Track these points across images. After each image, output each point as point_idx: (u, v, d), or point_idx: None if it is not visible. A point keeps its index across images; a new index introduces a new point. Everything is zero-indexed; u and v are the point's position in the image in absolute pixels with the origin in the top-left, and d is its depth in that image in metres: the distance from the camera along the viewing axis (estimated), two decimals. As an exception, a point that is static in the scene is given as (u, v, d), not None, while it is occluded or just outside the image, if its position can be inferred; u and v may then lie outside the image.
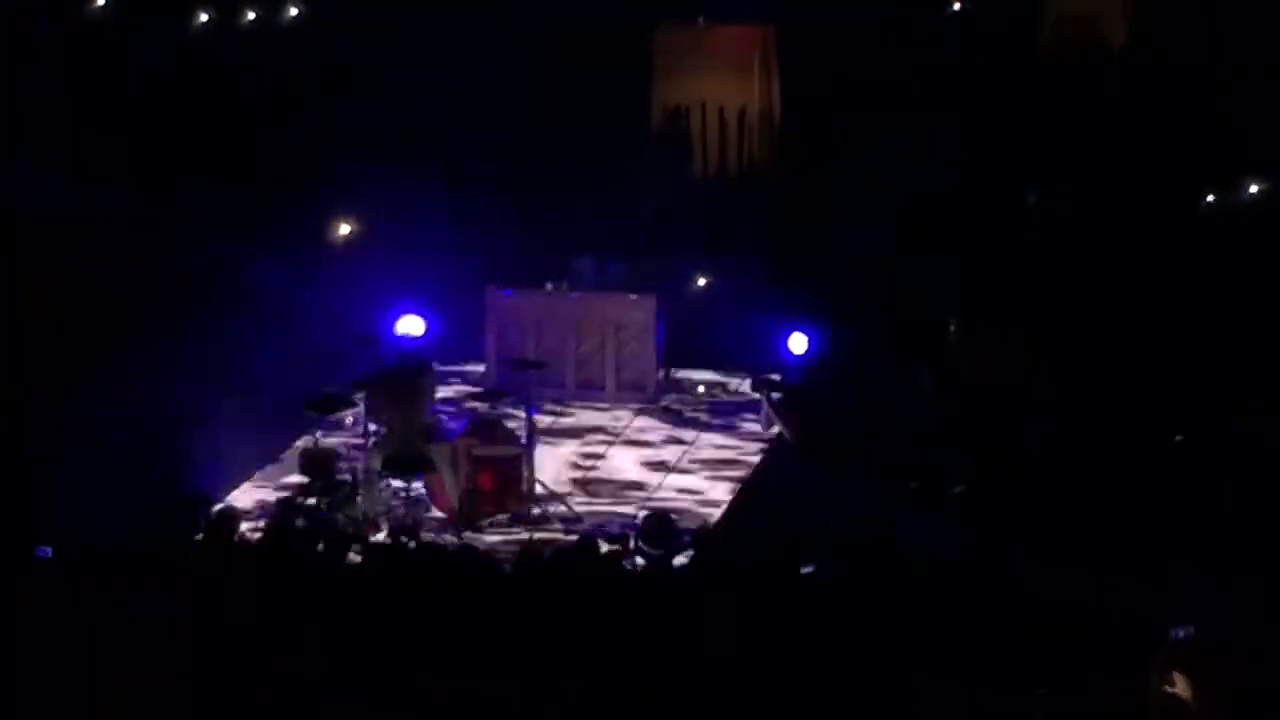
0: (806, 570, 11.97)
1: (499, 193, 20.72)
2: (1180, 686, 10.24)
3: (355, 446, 16.05)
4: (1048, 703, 10.34)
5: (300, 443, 16.45)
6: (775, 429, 17.25)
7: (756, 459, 17.06)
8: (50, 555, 11.99)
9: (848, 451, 15.83)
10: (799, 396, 16.10)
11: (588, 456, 17.34)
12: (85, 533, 12.78)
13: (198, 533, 13.03)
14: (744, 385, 18.38)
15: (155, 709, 10.94)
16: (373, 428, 15.80)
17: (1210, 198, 20.34)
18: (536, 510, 15.86)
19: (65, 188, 19.17)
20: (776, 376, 16.51)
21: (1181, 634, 10.36)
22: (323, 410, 15.81)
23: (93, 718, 10.97)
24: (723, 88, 22.44)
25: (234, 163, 20.49)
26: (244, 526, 13.32)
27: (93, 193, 19.14)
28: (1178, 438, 15.21)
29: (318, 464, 15.56)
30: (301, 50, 22.57)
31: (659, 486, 16.65)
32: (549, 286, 18.86)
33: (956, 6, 23.28)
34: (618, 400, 18.60)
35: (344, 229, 20.13)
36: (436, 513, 15.68)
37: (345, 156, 20.75)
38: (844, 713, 10.69)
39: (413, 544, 13.04)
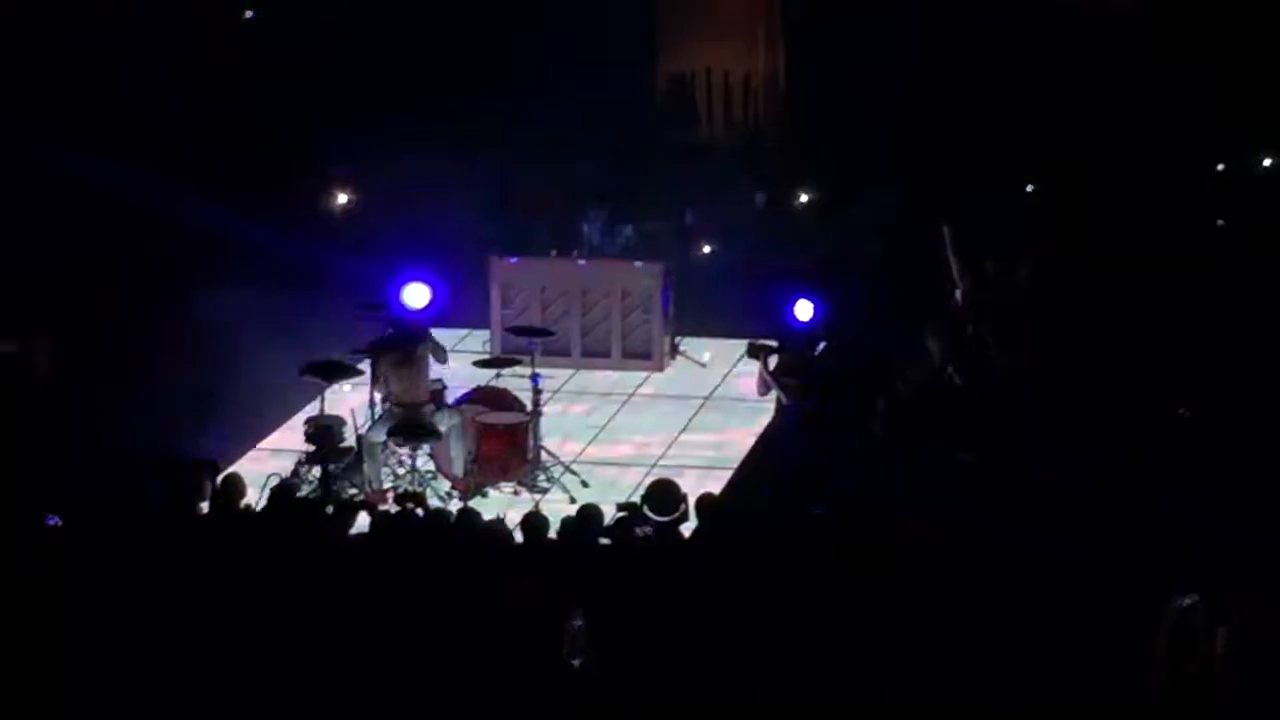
0: (817, 511, 12.02)
1: (504, 159, 20.72)
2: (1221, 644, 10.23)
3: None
4: (1050, 671, 10.36)
5: (306, 411, 16.48)
6: (772, 393, 17.25)
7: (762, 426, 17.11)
8: (59, 524, 12.00)
9: (852, 417, 15.83)
10: (797, 361, 16.10)
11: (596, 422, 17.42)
12: (90, 499, 12.79)
13: (203, 500, 13.04)
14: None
15: (158, 676, 10.97)
16: (378, 395, 15.82)
17: (1220, 166, 20.34)
18: (542, 477, 15.87)
19: (71, 155, 19.18)
20: (773, 342, 16.51)
21: (1186, 603, 10.36)
22: (322, 376, 15.81)
23: (94, 684, 10.99)
24: (727, 54, 22.44)
25: (236, 128, 20.49)
26: (249, 494, 13.31)
27: (98, 160, 19.14)
28: (1182, 411, 15.23)
29: (323, 432, 15.58)
30: (305, 17, 22.57)
31: (666, 454, 16.70)
32: (553, 254, 18.84)
33: None
34: (624, 368, 18.61)
35: (344, 197, 20.11)
36: (442, 481, 15.69)
37: (350, 123, 20.75)
38: (843, 676, 10.72)
39: (419, 512, 13.04)
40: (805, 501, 12.45)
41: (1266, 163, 20.42)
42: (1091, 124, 20.61)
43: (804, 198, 20.78)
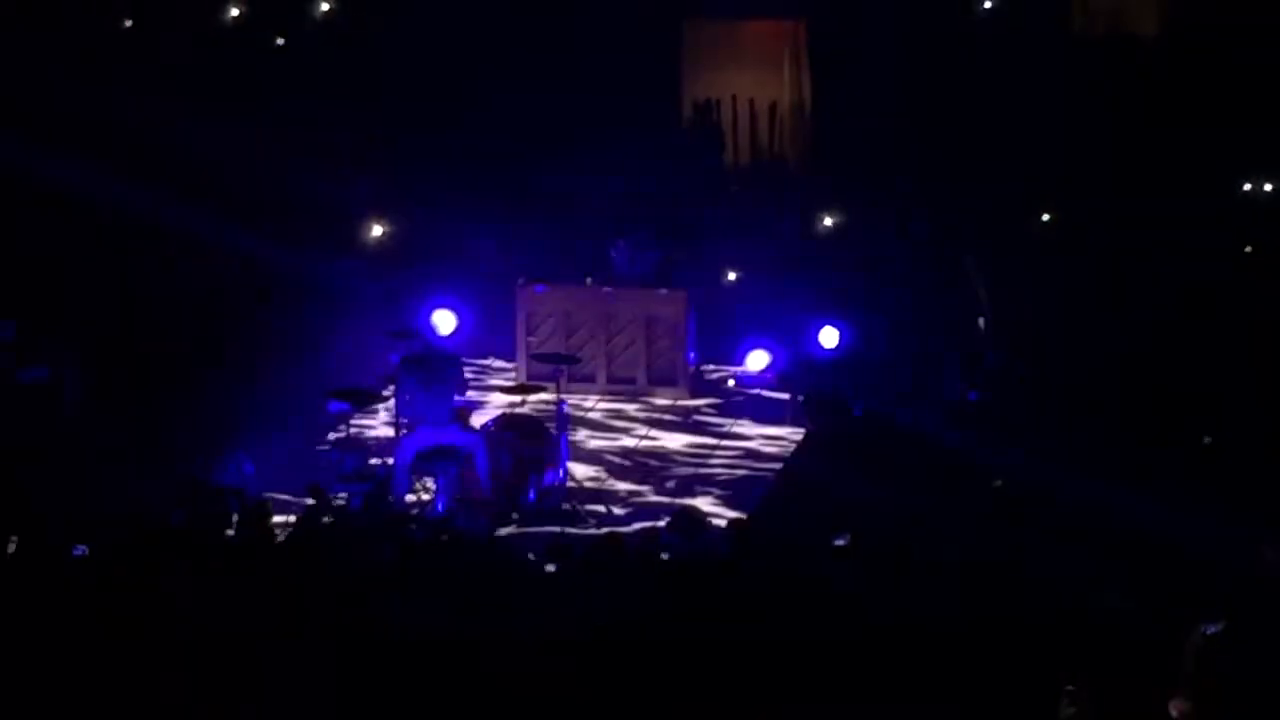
0: (840, 542, 12.04)
1: (529, 187, 20.78)
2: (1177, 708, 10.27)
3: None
4: (1079, 696, 10.34)
5: (333, 435, 16.54)
6: (805, 426, 17.26)
7: (789, 454, 17.10)
8: (86, 554, 12.03)
9: (876, 447, 15.86)
10: (828, 393, 16.13)
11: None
12: (120, 525, 12.83)
13: (231, 526, 13.09)
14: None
15: (184, 701, 11.00)
16: (404, 419, 15.87)
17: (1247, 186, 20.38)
18: (567, 504, 15.90)
19: (120, 189, 19.32)
20: (802, 368, 16.55)
21: (1212, 629, 10.37)
22: (349, 401, 15.88)
23: (119, 708, 11.02)
24: (753, 81, 22.50)
25: (272, 159, 20.61)
26: (277, 519, 13.36)
27: (140, 193, 19.29)
28: (1206, 439, 15.27)
29: (349, 456, 15.61)
30: (336, 47, 22.71)
31: (691, 478, 16.72)
32: (589, 281, 18.80)
33: (988, 4, 23.30)
34: (649, 394, 18.60)
35: (379, 228, 20.18)
36: (468, 505, 15.72)
37: (380, 150, 20.87)
38: (866, 697, 10.74)
39: (445, 537, 13.07)
40: (830, 530, 12.47)
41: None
42: (1117, 150, 20.67)
43: (829, 224, 20.82)
